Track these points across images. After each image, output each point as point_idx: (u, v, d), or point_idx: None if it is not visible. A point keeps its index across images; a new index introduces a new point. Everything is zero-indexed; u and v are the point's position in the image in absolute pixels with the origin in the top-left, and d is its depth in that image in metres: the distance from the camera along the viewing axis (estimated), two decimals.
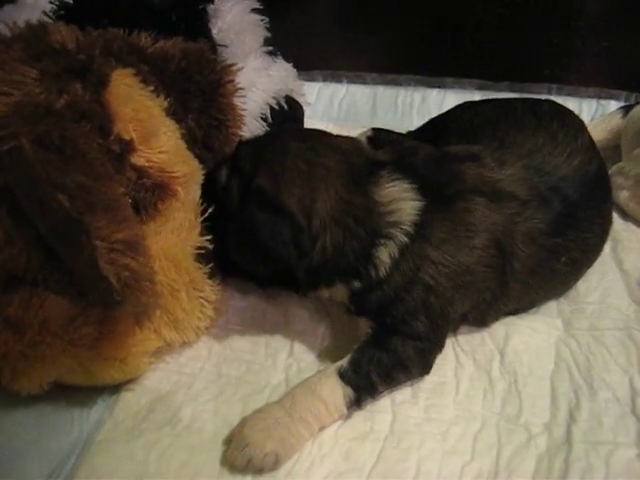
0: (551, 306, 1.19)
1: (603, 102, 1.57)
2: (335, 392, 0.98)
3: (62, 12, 1.20)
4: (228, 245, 1.02)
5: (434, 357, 1.07)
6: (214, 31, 1.27)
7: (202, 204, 1.10)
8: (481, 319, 1.12)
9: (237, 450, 0.93)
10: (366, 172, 1.03)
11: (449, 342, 1.11)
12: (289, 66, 1.45)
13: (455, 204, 1.03)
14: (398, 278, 1.01)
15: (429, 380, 1.07)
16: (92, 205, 0.83)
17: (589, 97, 1.55)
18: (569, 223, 1.09)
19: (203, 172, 1.15)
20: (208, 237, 1.07)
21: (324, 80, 1.68)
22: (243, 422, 0.97)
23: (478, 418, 1.01)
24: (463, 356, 1.11)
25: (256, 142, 1.10)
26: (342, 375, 0.99)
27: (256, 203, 0.98)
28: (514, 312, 1.16)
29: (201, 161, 1.16)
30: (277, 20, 1.41)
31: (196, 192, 1.11)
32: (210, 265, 1.07)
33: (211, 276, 1.09)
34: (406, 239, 1.00)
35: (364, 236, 0.99)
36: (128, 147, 1.01)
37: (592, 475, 0.93)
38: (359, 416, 1.02)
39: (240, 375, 1.07)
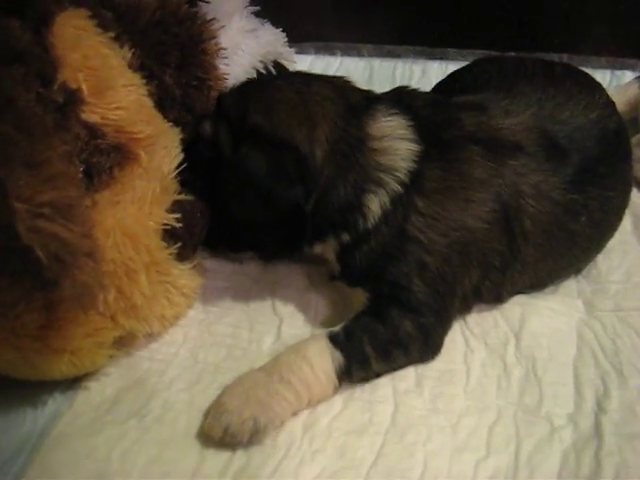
0: (570, 286, 1.07)
1: (618, 72, 1.45)
2: (323, 354, 0.87)
3: None
4: (224, 205, 0.94)
5: (439, 337, 0.95)
6: None
7: (183, 170, 0.97)
8: (496, 293, 1.00)
9: (214, 419, 0.82)
10: (361, 104, 0.95)
11: (457, 325, 1.00)
12: (278, 31, 1.33)
13: (450, 151, 0.94)
14: (385, 230, 0.92)
15: (435, 367, 0.94)
16: (11, 158, 0.70)
17: (602, 67, 1.43)
18: (589, 178, 0.98)
19: (180, 137, 1.01)
20: (177, 215, 0.93)
21: (316, 53, 1.56)
22: (223, 391, 0.86)
23: (492, 409, 0.89)
24: (473, 340, 0.98)
25: (238, 89, 1.01)
26: (332, 338, 0.88)
27: (252, 143, 0.90)
28: (531, 288, 1.04)
29: (180, 124, 1.04)
30: None
31: (164, 159, 0.97)
32: (177, 245, 0.93)
33: (181, 258, 0.95)
34: (400, 188, 0.91)
35: (356, 175, 0.91)
36: (75, 98, 0.87)
37: (628, 472, 0.80)
38: (356, 406, 0.89)
39: (219, 361, 0.94)
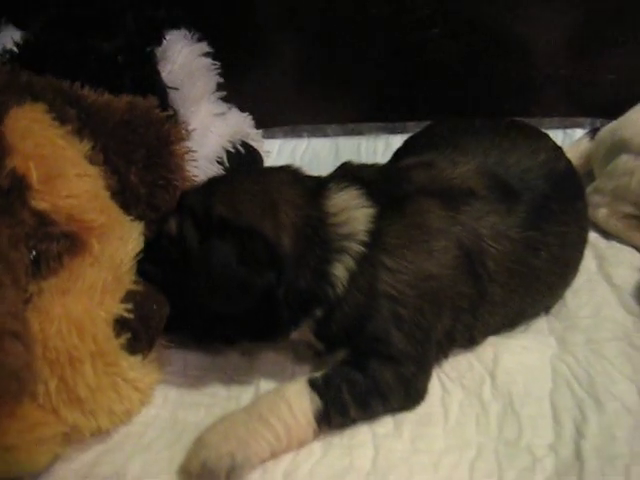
0: (541, 325, 1.09)
1: (569, 131, 1.54)
2: (302, 396, 0.88)
3: (7, 57, 1.16)
4: (192, 300, 0.93)
5: (421, 384, 0.95)
6: (164, 73, 1.23)
7: (143, 264, 0.97)
8: (469, 336, 1.02)
9: (193, 454, 0.84)
10: (315, 186, 0.99)
11: (433, 371, 1.00)
12: (245, 114, 1.42)
13: (406, 207, 0.97)
14: (356, 293, 0.93)
15: (413, 412, 0.94)
16: None
17: (554, 128, 1.51)
18: (544, 215, 1.02)
19: (141, 231, 1.02)
20: (128, 306, 0.90)
21: (284, 136, 1.63)
22: (205, 429, 0.87)
23: (473, 445, 0.89)
24: (449, 383, 0.99)
25: (199, 186, 1.04)
26: (311, 382, 0.89)
27: (219, 234, 0.90)
28: (503, 327, 1.05)
29: (144, 221, 1.06)
30: (231, 78, 1.40)
31: (118, 250, 0.96)
32: (127, 336, 0.90)
33: (134, 351, 0.92)
34: (362, 248, 0.94)
35: (319, 251, 0.93)
36: (22, 184, 0.87)
37: None
38: (336, 452, 0.88)
39: (199, 420, 0.92)
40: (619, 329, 1.05)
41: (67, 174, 0.92)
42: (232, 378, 1.01)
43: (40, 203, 0.89)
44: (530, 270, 1.02)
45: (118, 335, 0.89)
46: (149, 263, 0.98)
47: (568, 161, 1.13)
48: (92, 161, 0.99)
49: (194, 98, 1.29)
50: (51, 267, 0.89)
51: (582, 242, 1.11)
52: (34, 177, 0.88)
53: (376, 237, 0.94)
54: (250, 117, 1.44)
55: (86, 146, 1.00)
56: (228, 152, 1.32)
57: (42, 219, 0.89)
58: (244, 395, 0.97)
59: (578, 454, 0.85)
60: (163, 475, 0.86)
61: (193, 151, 1.15)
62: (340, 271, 0.93)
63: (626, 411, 0.91)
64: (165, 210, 1.08)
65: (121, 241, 0.97)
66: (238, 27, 1.50)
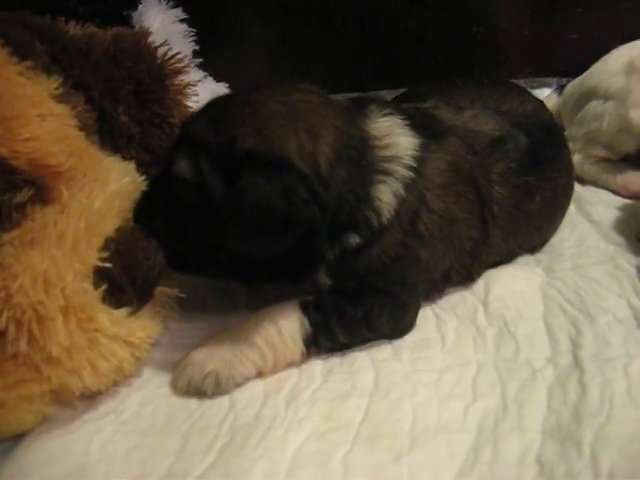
0: (527, 259, 1.11)
1: (537, 91, 1.57)
2: (291, 318, 0.87)
3: None
4: (217, 245, 0.84)
5: (409, 319, 0.96)
6: None
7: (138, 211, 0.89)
8: (466, 274, 1.02)
9: (179, 372, 0.85)
10: (353, 107, 0.90)
11: (426, 304, 1.01)
12: (221, 84, 1.43)
13: (444, 145, 0.95)
14: (398, 228, 0.89)
15: (409, 339, 0.95)
16: None
17: None
18: (538, 160, 1.04)
19: (140, 179, 0.95)
20: (104, 254, 0.82)
21: None
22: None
23: (472, 362, 0.89)
24: (443, 314, 1.00)
25: (206, 112, 0.87)
26: (302, 305, 0.89)
27: (251, 171, 0.78)
28: (493, 265, 1.07)
29: (137, 164, 1.00)
30: (206, 47, 1.40)
31: (93, 193, 0.87)
32: (103, 288, 0.81)
33: (118, 304, 0.83)
34: (410, 173, 0.89)
35: (363, 175, 0.86)
36: None
37: (612, 387, 0.80)
38: (337, 378, 0.87)
39: None
40: (602, 255, 1.09)
41: (27, 114, 0.84)
42: (225, 323, 1.00)
43: None
44: (525, 214, 1.04)
45: (97, 287, 0.81)
46: (148, 209, 0.89)
47: (551, 114, 1.17)
48: (62, 99, 0.92)
49: None
50: (13, 218, 0.80)
51: (570, 187, 1.15)
52: None
53: (422, 167, 0.90)
54: (226, 86, 1.44)
55: (54, 83, 0.92)
56: None
57: (1, 166, 0.81)
58: None
59: (577, 362, 0.86)
60: (161, 408, 0.84)
61: (193, 84, 1.09)
62: (387, 196, 0.87)
63: (618, 321, 0.92)
64: (163, 150, 1.01)
65: (97, 183, 0.88)
66: None
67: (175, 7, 1.32)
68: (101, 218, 0.86)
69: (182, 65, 1.11)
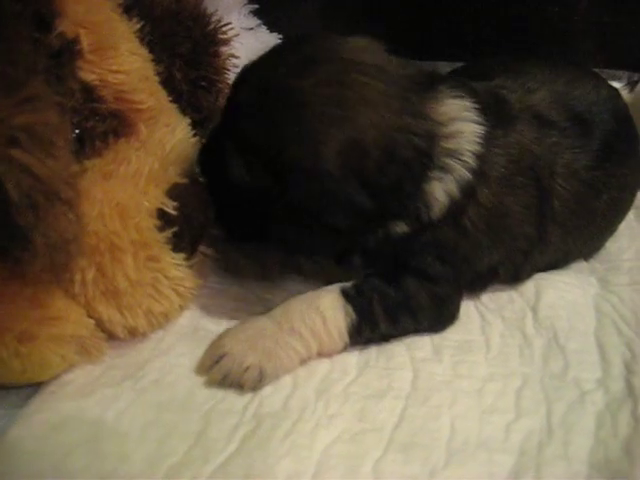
0: (581, 265, 1.03)
1: None
2: (336, 307, 0.82)
3: None
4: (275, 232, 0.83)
5: (452, 307, 0.90)
6: None
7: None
8: (514, 273, 0.95)
9: (212, 362, 0.78)
10: (419, 83, 0.83)
11: (470, 302, 0.95)
12: (274, 34, 1.34)
13: (511, 133, 0.88)
14: (444, 225, 0.85)
15: (452, 338, 0.89)
16: None
17: None
18: (609, 154, 0.95)
19: (191, 131, 0.97)
20: (174, 203, 0.82)
21: None
22: (224, 333, 0.80)
23: (517, 375, 0.83)
24: (489, 315, 0.93)
25: (259, 94, 0.80)
26: (345, 292, 0.83)
27: (297, 180, 0.77)
28: (546, 268, 0.99)
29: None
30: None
31: (166, 137, 0.90)
32: (173, 230, 0.81)
33: (176, 249, 0.82)
34: (469, 175, 0.83)
35: (421, 170, 0.81)
36: (72, 48, 0.81)
37: None
38: (372, 373, 0.82)
39: (221, 329, 0.85)
40: None
41: (119, 47, 0.86)
42: (255, 293, 0.94)
43: (89, 75, 0.83)
44: (589, 212, 0.96)
45: (162, 229, 0.81)
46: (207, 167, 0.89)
47: (625, 103, 1.06)
48: (141, 42, 0.93)
49: (226, 5, 1.21)
50: (96, 147, 0.84)
51: (637, 185, 1.05)
52: (84, 44, 0.83)
53: (481, 164, 0.84)
54: (279, 37, 1.35)
55: (136, 25, 0.93)
56: None
57: (89, 94, 0.83)
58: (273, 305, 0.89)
59: (630, 390, 0.80)
60: (183, 380, 0.79)
61: (236, 57, 1.10)
62: (441, 194, 0.83)
63: None
64: (207, 116, 1.03)
65: (168, 129, 0.91)
66: None
67: None
68: (169, 163, 0.88)
69: (231, 36, 1.13)
